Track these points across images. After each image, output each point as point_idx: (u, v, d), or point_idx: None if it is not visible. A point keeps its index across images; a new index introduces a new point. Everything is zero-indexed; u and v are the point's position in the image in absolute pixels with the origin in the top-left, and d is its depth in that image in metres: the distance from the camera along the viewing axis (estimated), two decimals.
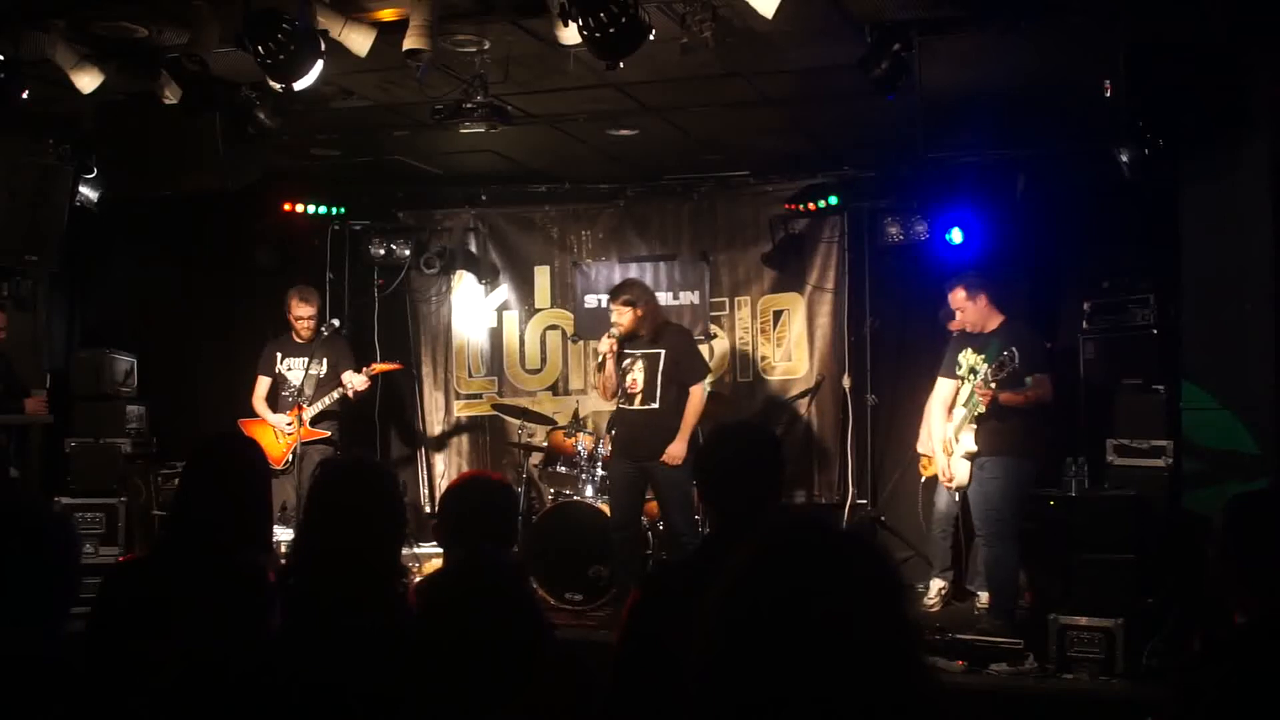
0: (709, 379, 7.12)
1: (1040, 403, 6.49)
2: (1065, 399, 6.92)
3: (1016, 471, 6.46)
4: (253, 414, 7.87)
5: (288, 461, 7.63)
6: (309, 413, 7.63)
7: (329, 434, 7.74)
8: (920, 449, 7.29)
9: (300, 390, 7.62)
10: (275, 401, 7.83)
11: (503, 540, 3.37)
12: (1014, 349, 6.25)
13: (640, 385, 6.84)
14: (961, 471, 6.67)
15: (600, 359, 6.99)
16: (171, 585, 2.97)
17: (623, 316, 6.83)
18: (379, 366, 8.15)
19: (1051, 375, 6.61)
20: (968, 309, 6.75)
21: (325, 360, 7.79)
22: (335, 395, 7.72)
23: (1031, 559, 6.50)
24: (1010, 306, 6.85)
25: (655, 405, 6.80)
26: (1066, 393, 6.99)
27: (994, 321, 6.71)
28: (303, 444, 7.56)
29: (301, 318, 7.77)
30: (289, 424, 7.62)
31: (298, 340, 7.82)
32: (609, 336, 6.87)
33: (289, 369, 7.81)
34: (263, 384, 7.85)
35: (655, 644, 2.76)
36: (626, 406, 6.93)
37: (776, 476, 3.03)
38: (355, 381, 7.68)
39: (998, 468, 6.49)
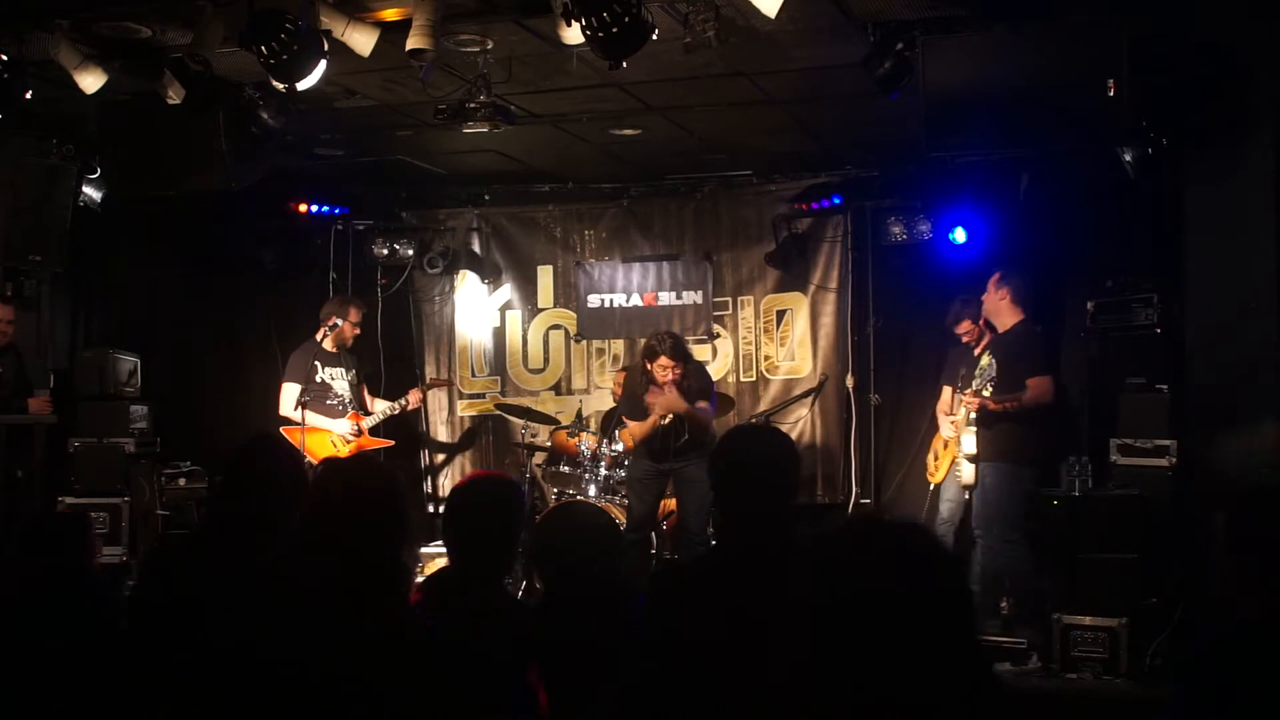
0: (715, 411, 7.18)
1: (1037, 406, 6.47)
2: (1069, 398, 6.91)
3: (1014, 478, 6.42)
4: (284, 421, 7.56)
5: None
6: (368, 422, 7.73)
7: (393, 443, 7.91)
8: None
9: (347, 399, 7.66)
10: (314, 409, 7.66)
11: (510, 541, 3.32)
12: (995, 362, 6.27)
13: (669, 420, 6.87)
14: (966, 470, 6.66)
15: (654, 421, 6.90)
16: (202, 575, 3.04)
17: (675, 373, 6.73)
18: (434, 382, 8.63)
19: (1051, 377, 6.57)
20: (990, 296, 6.78)
21: (356, 369, 7.86)
22: (396, 408, 7.86)
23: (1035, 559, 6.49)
24: (1032, 310, 6.82)
25: (686, 437, 6.86)
26: (1070, 392, 6.99)
27: (1011, 319, 6.70)
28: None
29: (359, 324, 7.83)
30: (353, 431, 7.63)
31: (330, 349, 7.68)
32: (662, 411, 6.77)
33: (331, 378, 7.69)
34: (294, 391, 7.44)
35: (671, 641, 2.76)
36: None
37: (792, 480, 3.03)
38: (413, 398, 7.95)
39: (994, 474, 6.46)
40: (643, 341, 7.28)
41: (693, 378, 6.87)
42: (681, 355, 6.79)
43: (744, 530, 2.91)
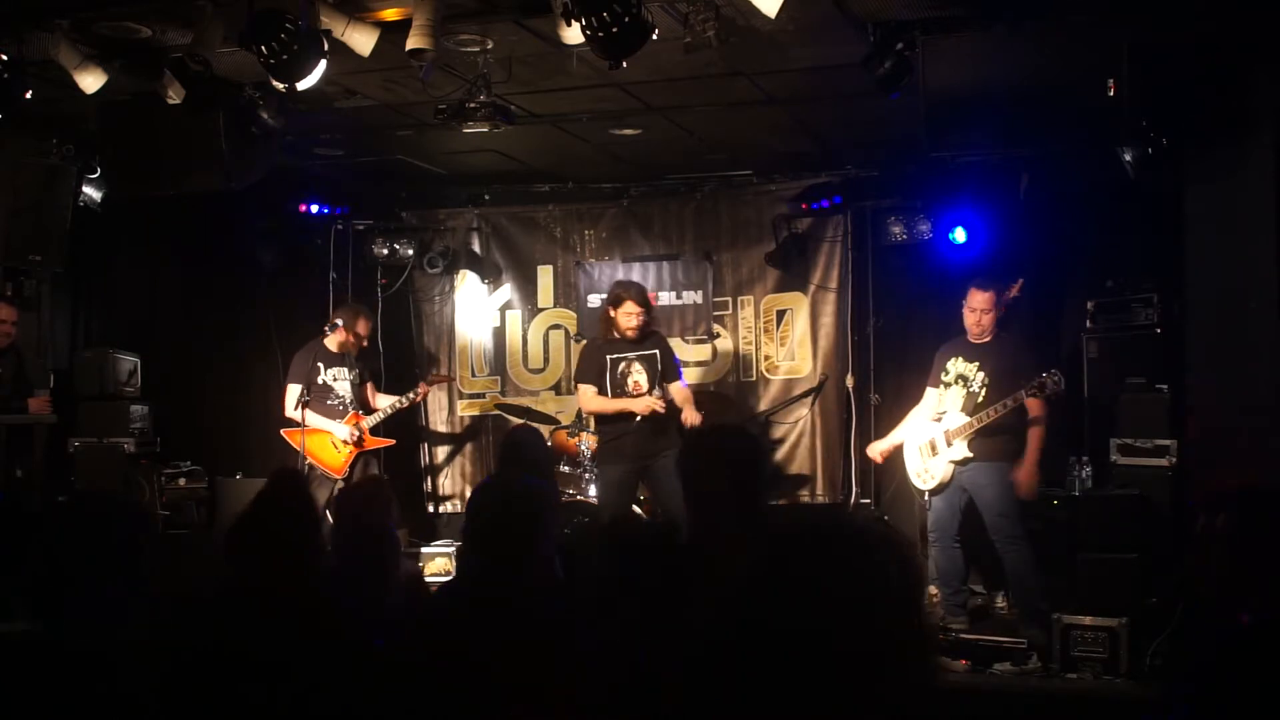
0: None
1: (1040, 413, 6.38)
2: (1068, 398, 6.89)
3: (1010, 476, 6.36)
4: (287, 423, 7.56)
5: (347, 472, 7.61)
6: (369, 421, 7.70)
7: (394, 441, 7.88)
8: (875, 455, 7.08)
9: (348, 400, 7.64)
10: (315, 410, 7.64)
11: (536, 542, 3.15)
12: (1056, 371, 6.06)
13: (645, 387, 6.90)
14: (944, 473, 6.57)
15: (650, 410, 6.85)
16: None
17: (641, 319, 6.84)
18: (438, 377, 8.54)
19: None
20: (988, 312, 6.48)
21: (360, 371, 7.85)
22: (403, 403, 7.84)
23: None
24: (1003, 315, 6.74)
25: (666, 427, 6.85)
26: (1070, 392, 6.96)
27: (989, 334, 6.54)
28: (364, 454, 7.68)
29: (365, 336, 7.82)
30: (352, 434, 7.60)
31: (333, 349, 7.64)
32: (656, 400, 6.80)
33: (334, 379, 7.66)
34: (296, 391, 7.43)
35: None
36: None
37: (760, 476, 3.20)
38: (420, 392, 7.95)
39: (990, 474, 6.34)
40: (607, 294, 7.27)
41: (657, 331, 7.05)
42: (647, 303, 6.92)
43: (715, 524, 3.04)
